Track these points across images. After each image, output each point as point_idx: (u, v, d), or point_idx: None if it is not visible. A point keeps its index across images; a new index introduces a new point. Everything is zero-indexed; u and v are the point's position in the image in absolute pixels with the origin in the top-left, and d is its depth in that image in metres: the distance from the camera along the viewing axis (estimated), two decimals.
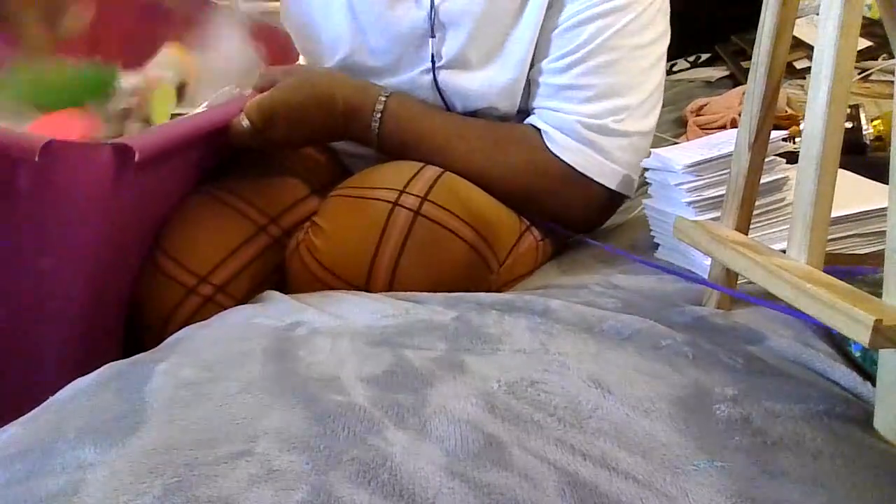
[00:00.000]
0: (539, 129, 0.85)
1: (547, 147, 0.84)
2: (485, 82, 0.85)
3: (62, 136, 0.62)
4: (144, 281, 0.80)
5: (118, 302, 0.80)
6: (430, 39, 0.84)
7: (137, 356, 0.61)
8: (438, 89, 0.87)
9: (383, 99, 0.84)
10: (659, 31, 0.84)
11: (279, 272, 0.82)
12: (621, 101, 0.82)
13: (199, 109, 0.86)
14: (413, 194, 0.74)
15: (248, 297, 0.79)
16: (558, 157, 0.83)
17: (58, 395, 0.57)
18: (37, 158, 0.58)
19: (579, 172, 0.83)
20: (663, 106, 1.57)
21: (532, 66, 0.85)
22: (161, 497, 0.42)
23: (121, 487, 0.43)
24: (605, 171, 0.84)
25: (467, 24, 0.83)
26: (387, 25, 0.87)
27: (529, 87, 0.86)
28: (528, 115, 0.88)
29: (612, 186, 0.85)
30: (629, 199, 0.91)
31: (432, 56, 0.85)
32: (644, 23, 0.82)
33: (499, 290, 0.82)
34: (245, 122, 0.80)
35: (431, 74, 0.86)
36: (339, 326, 0.64)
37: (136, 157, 0.63)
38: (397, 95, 0.85)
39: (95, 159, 0.64)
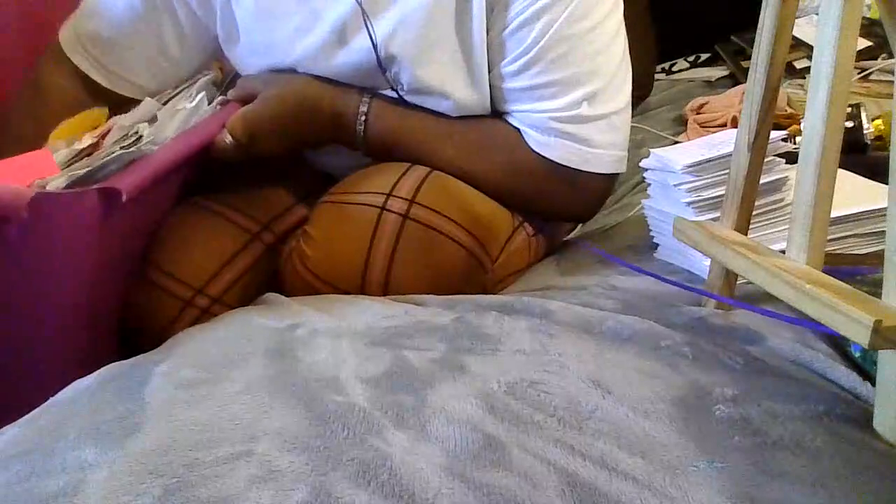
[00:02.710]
0: (518, 129, 0.83)
1: (528, 146, 0.83)
2: (451, 102, 0.83)
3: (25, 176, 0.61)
4: (139, 296, 0.80)
5: (111, 317, 0.80)
6: (385, 74, 0.82)
7: (137, 357, 0.61)
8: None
9: (366, 100, 0.83)
10: (607, 7, 0.81)
11: (274, 278, 0.82)
12: (588, 88, 0.80)
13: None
14: (400, 197, 0.74)
15: (244, 306, 0.79)
16: (540, 155, 0.82)
17: (58, 395, 0.57)
18: (25, 214, 0.57)
19: (564, 166, 0.82)
20: (663, 105, 1.59)
21: (490, 70, 0.82)
22: (161, 497, 0.42)
23: (121, 488, 0.43)
24: (588, 158, 0.82)
25: (411, 52, 0.80)
26: (335, 72, 0.84)
27: (492, 91, 0.84)
28: (501, 114, 0.86)
29: (600, 171, 0.83)
30: (620, 176, 0.90)
31: (392, 87, 0.83)
32: (589, 5, 0.79)
33: (493, 287, 0.82)
34: (228, 139, 0.79)
35: (399, 97, 0.84)
36: (338, 327, 0.64)
37: (124, 198, 0.63)
38: (380, 97, 0.84)
39: (82, 206, 0.63)
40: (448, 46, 0.81)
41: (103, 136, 0.81)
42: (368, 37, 0.80)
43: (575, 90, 0.80)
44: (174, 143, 0.78)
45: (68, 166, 0.77)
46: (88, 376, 0.58)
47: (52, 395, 0.57)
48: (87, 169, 0.72)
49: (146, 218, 0.81)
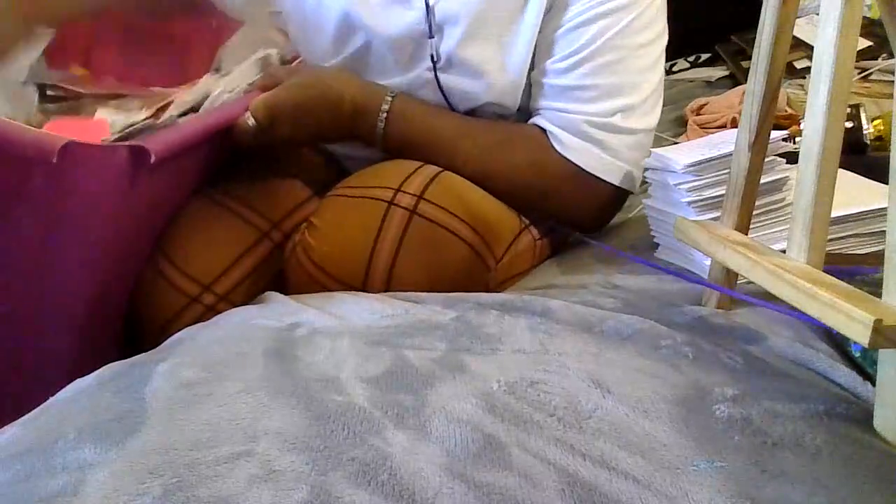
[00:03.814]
0: (544, 130, 0.85)
1: (553, 147, 0.84)
2: (485, 82, 0.84)
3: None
4: (146, 286, 0.80)
5: (119, 300, 0.80)
6: (430, 40, 0.84)
7: (137, 356, 0.61)
8: (441, 88, 0.87)
9: (389, 99, 0.84)
10: (658, 29, 0.85)
11: (280, 278, 0.82)
12: (626, 100, 0.83)
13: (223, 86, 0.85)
14: (409, 193, 0.74)
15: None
16: (564, 157, 0.83)
17: (58, 395, 0.57)
18: (54, 160, 0.57)
19: (586, 172, 0.84)
20: (663, 105, 1.58)
21: (533, 67, 0.85)
22: (161, 497, 0.42)
23: (121, 487, 0.43)
24: (611, 168, 0.84)
25: (463, 23, 0.83)
26: (383, 28, 0.86)
27: (530, 87, 0.86)
28: (528, 114, 0.88)
29: (619, 184, 0.85)
30: (630, 194, 0.91)
31: (432, 56, 0.85)
32: (645, 22, 0.82)
33: (496, 288, 0.82)
34: (251, 121, 0.79)
35: (433, 74, 0.86)
36: (338, 327, 0.64)
37: (153, 159, 0.63)
38: (403, 96, 0.85)
39: (112, 161, 0.63)
40: (499, 27, 0.83)
41: (162, 109, 0.81)
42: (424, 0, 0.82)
43: (614, 99, 0.82)
44: (199, 119, 0.78)
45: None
46: (88, 376, 0.58)
47: (53, 395, 0.57)
48: (118, 134, 0.72)
49: (167, 193, 0.80)
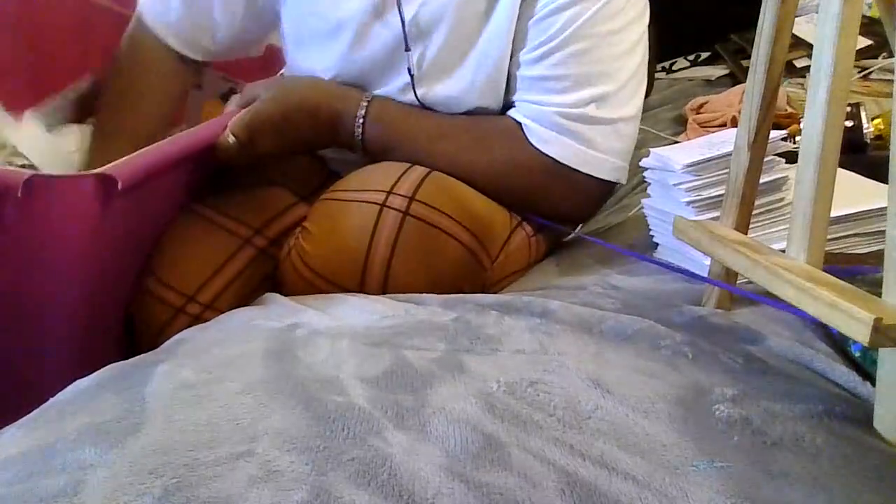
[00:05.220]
0: (520, 123, 0.84)
1: (528, 141, 0.83)
2: (465, 86, 0.84)
3: None
4: (137, 301, 0.81)
5: (117, 312, 0.81)
6: (407, 53, 0.84)
7: (138, 357, 0.62)
8: (419, 100, 0.86)
9: (364, 104, 0.84)
10: (632, 14, 0.83)
11: (268, 282, 0.83)
12: (599, 89, 0.81)
13: None
14: (401, 195, 0.74)
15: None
16: (540, 151, 0.82)
17: (58, 395, 0.57)
18: (19, 194, 0.59)
19: (562, 164, 0.82)
20: (663, 105, 1.58)
21: (511, 58, 0.84)
22: (161, 497, 0.42)
23: (121, 488, 0.43)
24: (588, 159, 0.83)
25: (441, 31, 0.82)
26: (361, 51, 0.86)
27: (510, 81, 0.85)
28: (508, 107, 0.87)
29: (599, 175, 0.84)
30: (619, 187, 0.90)
31: (409, 69, 0.84)
32: (616, 8, 0.81)
33: (492, 287, 0.82)
34: (231, 139, 0.80)
35: (411, 86, 0.85)
36: (338, 327, 0.64)
37: (119, 186, 0.64)
38: (379, 100, 0.85)
39: (78, 191, 0.65)
40: (477, 24, 0.82)
41: None
42: (399, 14, 0.82)
43: (585, 89, 0.81)
44: (175, 139, 0.79)
45: None
46: (89, 376, 0.58)
47: (52, 396, 0.57)
48: None
49: (148, 215, 0.81)
